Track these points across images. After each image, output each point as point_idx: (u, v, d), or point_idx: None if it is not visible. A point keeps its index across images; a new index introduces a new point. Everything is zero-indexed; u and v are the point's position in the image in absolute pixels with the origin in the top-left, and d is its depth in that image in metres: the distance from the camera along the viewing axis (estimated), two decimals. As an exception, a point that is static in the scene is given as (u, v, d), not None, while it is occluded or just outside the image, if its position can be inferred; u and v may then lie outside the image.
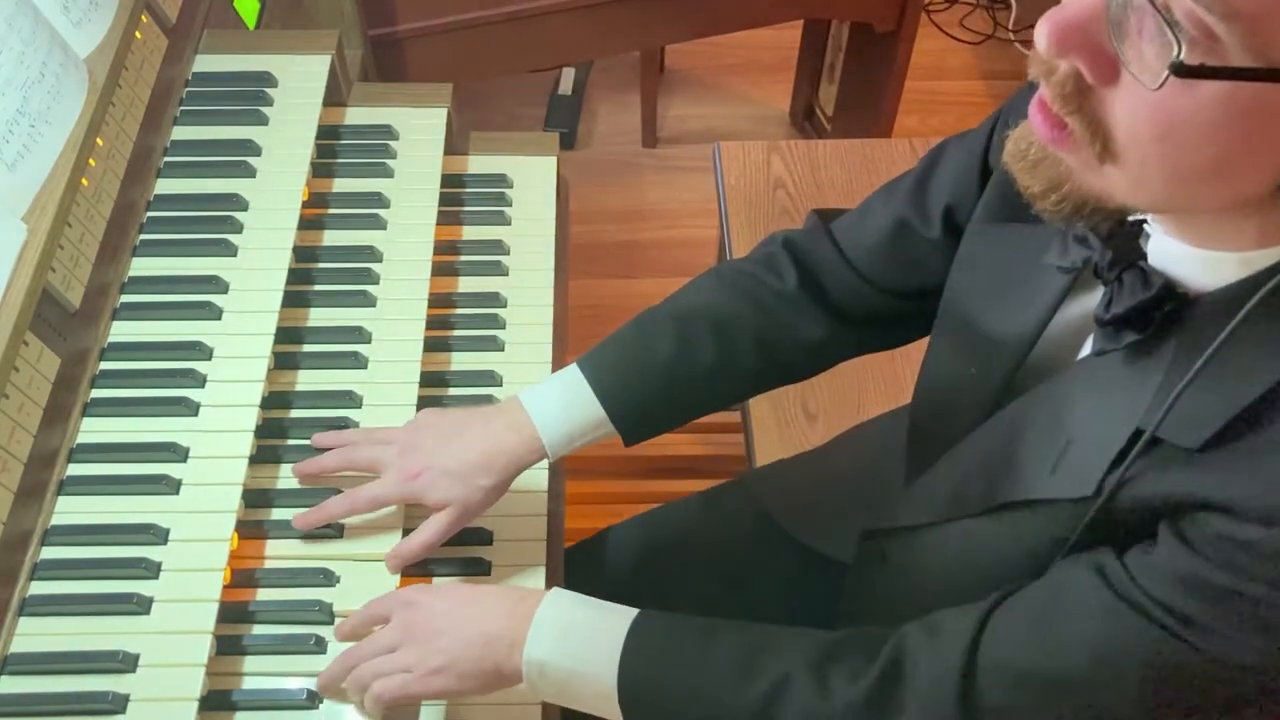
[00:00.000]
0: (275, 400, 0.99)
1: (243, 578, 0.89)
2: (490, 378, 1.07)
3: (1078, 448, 0.67)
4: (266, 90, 1.14)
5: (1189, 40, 0.49)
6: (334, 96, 1.19)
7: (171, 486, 0.88)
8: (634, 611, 0.80)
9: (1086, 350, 0.69)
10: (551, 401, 0.91)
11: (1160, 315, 0.62)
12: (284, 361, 1.02)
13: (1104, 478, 0.64)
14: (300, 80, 1.15)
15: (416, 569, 0.95)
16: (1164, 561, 0.62)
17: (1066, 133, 0.57)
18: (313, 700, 0.84)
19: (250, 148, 1.09)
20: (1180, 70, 0.49)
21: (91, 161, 0.93)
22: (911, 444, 0.90)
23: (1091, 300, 0.68)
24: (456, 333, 1.11)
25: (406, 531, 0.93)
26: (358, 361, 1.02)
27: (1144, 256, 0.64)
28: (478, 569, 0.95)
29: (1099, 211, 0.61)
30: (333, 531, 0.92)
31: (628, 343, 0.93)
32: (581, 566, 1.05)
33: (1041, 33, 0.54)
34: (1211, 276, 0.61)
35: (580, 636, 0.79)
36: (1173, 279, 0.63)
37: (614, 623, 0.79)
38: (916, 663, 0.72)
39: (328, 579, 0.90)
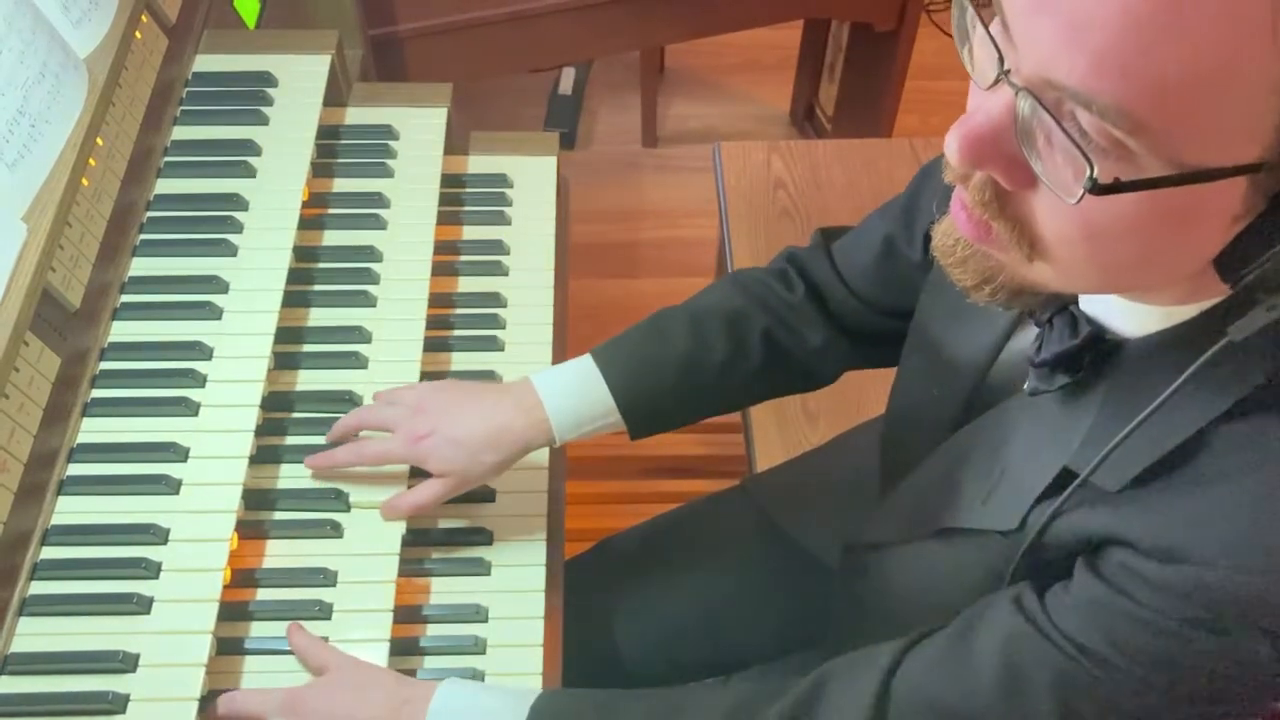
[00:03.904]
0: (275, 400, 0.99)
1: (243, 577, 0.89)
2: (490, 378, 1.07)
3: (1008, 482, 0.68)
4: (267, 90, 1.14)
5: (1100, 151, 0.47)
6: (334, 96, 1.19)
7: (172, 486, 0.88)
8: (532, 692, 0.81)
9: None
10: (563, 387, 0.92)
11: (1089, 359, 0.63)
12: (284, 361, 1.02)
13: (1027, 513, 0.65)
14: (300, 80, 1.15)
15: (416, 568, 0.95)
16: (1074, 592, 0.63)
17: (992, 234, 0.56)
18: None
19: (250, 148, 1.09)
20: (1095, 189, 0.47)
21: (92, 161, 0.93)
22: (883, 460, 0.91)
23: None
24: (456, 333, 1.11)
25: (409, 531, 0.93)
26: (358, 361, 1.02)
27: (1074, 300, 0.65)
28: (478, 569, 0.95)
29: (1035, 297, 0.61)
30: (333, 531, 0.92)
31: (642, 336, 0.95)
32: (581, 577, 1.05)
33: (951, 146, 0.52)
34: (1137, 325, 0.62)
35: None
36: (1100, 325, 0.63)
37: (511, 709, 0.79)
38: (834, 687, 0.73)
39: (327, 579, 0.90)
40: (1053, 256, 0.55)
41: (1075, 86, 0.47)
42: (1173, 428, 0.57)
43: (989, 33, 0.51)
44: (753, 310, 0.94)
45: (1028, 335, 0.74)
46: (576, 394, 0.91)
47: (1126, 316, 0.62)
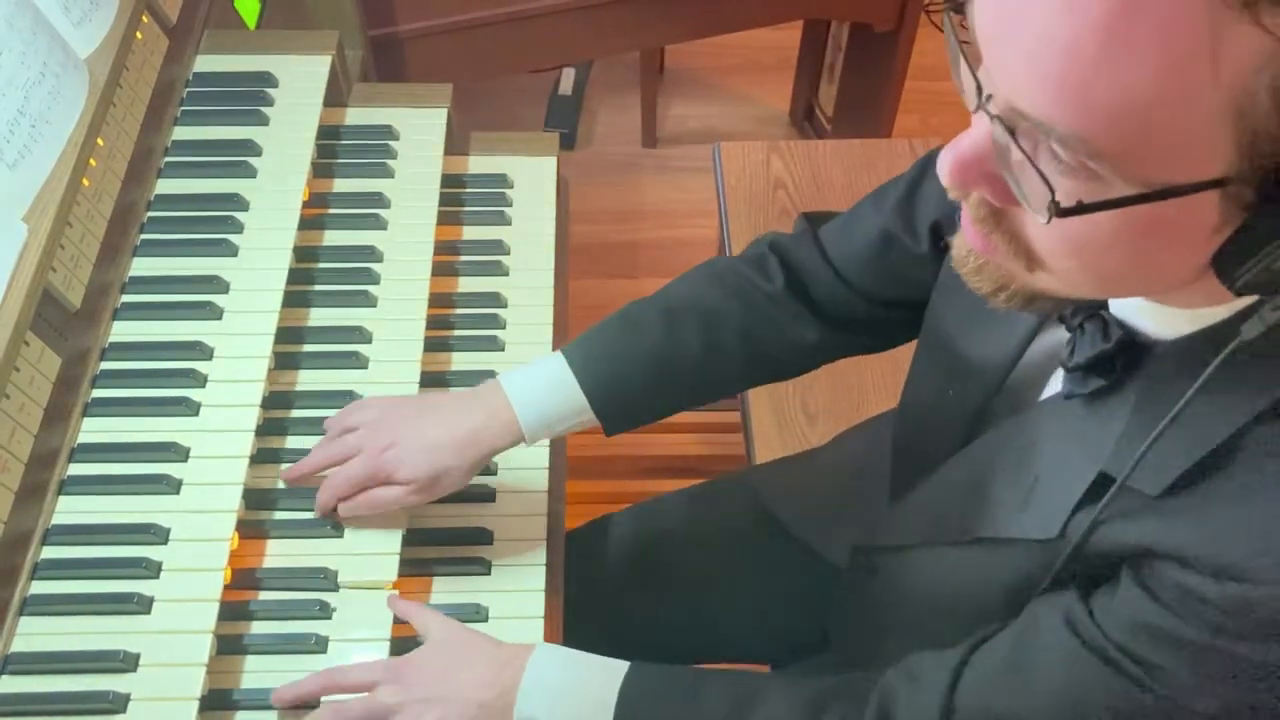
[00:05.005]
0: (276, 400, 0.99)
1: (243, 577, 0.89)
2: (490, 378, 1.07)
3: (1044, 488, 0.68)
4: (267, 90, 1.14)
5: (1070, 172, 0.50)
6: (334, 97, 1.19)
7: (172, 486, 0.88)
8: (622, 667, 0.81)
9: (1059, 379, 0.70)
10: (532, 386, 0.90)
11: (1121, 363, 0.64)
12: (284, 361, 1.02)
13: (1067, 520, 0.66)
14: (301, 80, 1.15)
15: (416, 568, 0.95)
16: (1125, 607, 0.63)
17: (994, 246, 0.59)
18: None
19: (251, 148, 1.09)
20: (1058, 211, 0.50)
21: (92, 161, 0.94)
22: (895, 460, 0.90)
23: (1064, 331, 0.68)
24: (456, 333, 1.11)
25: (409, 531, 0.93)
26: (358, 361, 1.02)
27: (1104, 304, 0.65)
28: (478, 569, 0.95)
29: (1049, 302, 0.62)
30: (333, 531, 0.92)
31: (613, 331, 0.93)
32: (581, 554, 1.05)
33: (943, 168, 0.55)
34: (1168, 328, 0.62)
35: (570, 699, 0.81)
36: (1132, 328, 0.64)
37: (603, 682, 0.80)
38: (900, 712, 0.74)
39: (328, 578, 0.90)
40: (1048, 267, 0.57)
41: (1038, 117, 0.49)
42: (1208, 429, 0.58)
43: (968, 63, 0.53)
44: (729, 305, 0.93)
45: (1049, 339, 0.74)
46: (546, 393, 0.90)
47: (1156, 320, 0.63)
